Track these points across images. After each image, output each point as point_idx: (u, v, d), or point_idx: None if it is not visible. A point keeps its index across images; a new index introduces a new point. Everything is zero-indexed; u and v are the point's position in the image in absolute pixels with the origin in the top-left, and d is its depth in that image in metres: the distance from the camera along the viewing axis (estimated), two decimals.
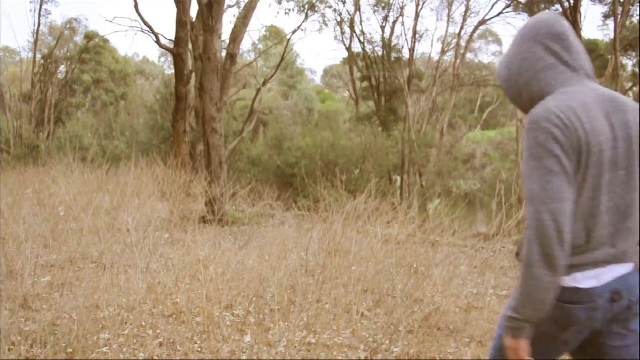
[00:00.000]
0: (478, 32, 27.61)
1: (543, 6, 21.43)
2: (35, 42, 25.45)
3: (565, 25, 1.78)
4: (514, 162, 22.81)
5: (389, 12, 23.41)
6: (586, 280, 1.65)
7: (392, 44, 23.86)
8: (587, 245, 1.66)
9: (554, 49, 1.75)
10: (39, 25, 25.40)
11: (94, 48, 30.40)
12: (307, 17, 18.16)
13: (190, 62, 14.49)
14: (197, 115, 12.57)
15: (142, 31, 15.30)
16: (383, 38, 23.66)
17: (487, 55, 46.18)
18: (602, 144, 1.63)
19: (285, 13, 16.79)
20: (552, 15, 1.81)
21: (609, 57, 19.45)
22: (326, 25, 16.70)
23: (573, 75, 1.74)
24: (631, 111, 1.71)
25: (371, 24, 42.29)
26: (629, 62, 24.93)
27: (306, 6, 17.90)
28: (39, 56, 26.42)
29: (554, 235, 1.56)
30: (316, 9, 18.93)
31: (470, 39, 26.62)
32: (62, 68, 29.36)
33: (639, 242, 1.75)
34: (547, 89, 1.74)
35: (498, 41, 39.87)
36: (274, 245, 6.35)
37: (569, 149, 1.60)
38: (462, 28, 24.64)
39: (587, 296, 1.64)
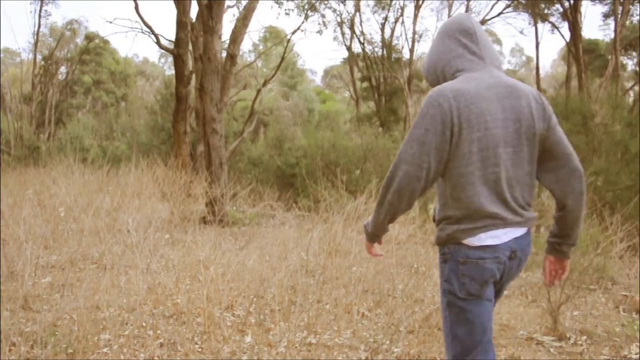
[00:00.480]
0: None
1: (543, 6, 21.44)
2: (36, 43, 25.49)
3: (474, 22, 2.12)
4: None
5: (388, 13, 23.43)
6: (489, 239, 1.97)
7: (392, 44, 23.86)
8: (488, 209, 1.96)
9: (463, 42, 2.08)
10: (39, 27, 25.46)
11: (94, 49, 30.44)
12: (306, 17, 18.17)
13: (190, 63, 14.49)
14: (198, 115, 12.58)
15: (142, 32, 15.30)
16: (383, 38, 23.68)
17: None
18: (487, 122, 1.93)
19: (286, 13, 16.80)
20: (463, 15, 2.16)
21: (609, 56, 19.46)
22: (325, 26, 16.74)
23: (479, 62, 2.06)
24: (524, 97, 2.00)
25: (371, 24, 42.29)
26: (629, 62, 24.92)
27: (306, 6, 17.91)
28: (39, 57, 26.45)
29: (397, 192, 1.96)
30: (316, 8, 18.94)
31: None
32: (63, 69, 29.42)
33: (527, 205, 2.06)
34: (456, 74, 2.06)
35: (498, 41, 39.89)
36: (275, 246, 6.35)
37: (446, 125, 1.91)
38: None
39: (493, 251, 1.98)
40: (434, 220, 2.19)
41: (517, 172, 2.00)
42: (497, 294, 2.16)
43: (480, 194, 1.96)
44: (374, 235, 2.18)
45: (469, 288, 2.00)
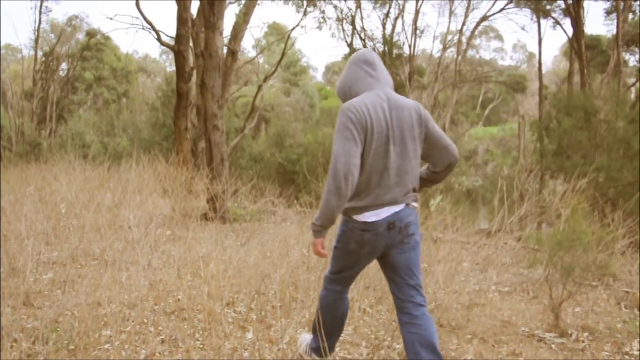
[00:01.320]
0: (479, 28, 27.56)
1: (545, 2, 21.37)
2: (37, 40, 25.45)
3: (374, 55, 2.90)
4: (516, 158, 22.74)
5: (389, 9, 23.36)
6: (371, 216, 2.74)
7: (393, 40, 23.80)
8: (373, 192, 2.72)
9: (365, 69, 2.85)
10: (40, 23, 25.41)
11: (95, 45, 30.39)
12: (305, 13, 18.13)
13: (191, 59, 14.46)
14: (199, 112, 12.54)
15: (143, 28, 15.26)
16: (384, 34, 23.61)
17: (489, 51, 46.02)
18: (382, 127, 2.68)
19: (285, 3, 16.72)
20: (366, 50, 2.95)
21: (611, 52, 19.40)
22: (325, 22, 16.71)
23: (376, 84, 2.82)
24: (406, 109, 2.76)
25: (372, 20, 42.19)
26: (631, 58, 24.84)
27: (305, 2, 17.87)
28: (40, 53, 26.41)
29: (342, 177, 2.58)
30: (315, 4, 18.89)
31: (472, 35, 26.55)
32: (64, 65, 29.36)
33: (410, 190, 2.80)
34: (359, 92, 2.82)
35: (499, 37, 39.83)
36: (276, 242, 6.35)
37: (359, 127, 2.64)
38: (463, 24, 24.58)
39: (372, 226, 2.74)
40: None
41: (404, 163, 2.75)
42: (399, 252, 2.84)
43: (371, 182, 2.71)
44: (324, 228, 2.72)
45: (350, 246, 2.83)
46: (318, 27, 18.84)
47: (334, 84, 45.62)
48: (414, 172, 2.81)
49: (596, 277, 5.53)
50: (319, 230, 2.72)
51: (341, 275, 2.99)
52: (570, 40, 20.05)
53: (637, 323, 4.31)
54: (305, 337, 3.31)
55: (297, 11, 18.24)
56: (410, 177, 2.79)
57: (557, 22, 21.68)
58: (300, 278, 4.78)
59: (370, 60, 2.86)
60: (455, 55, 25.10)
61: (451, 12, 25.50)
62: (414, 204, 2.84)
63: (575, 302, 4.83)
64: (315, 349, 3.15)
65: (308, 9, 18.33)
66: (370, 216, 2.73)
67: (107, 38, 31.25)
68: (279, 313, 4.04)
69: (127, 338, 3.47)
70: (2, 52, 28.01)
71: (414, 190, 2.84)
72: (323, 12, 21.17)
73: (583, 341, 3.96)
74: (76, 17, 27.85)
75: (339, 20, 23.39)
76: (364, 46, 24.04)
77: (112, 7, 62.26)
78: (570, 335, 4.03)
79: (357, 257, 2.87)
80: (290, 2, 17.87)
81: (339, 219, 2.87)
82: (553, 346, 3.87)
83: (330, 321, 3.05)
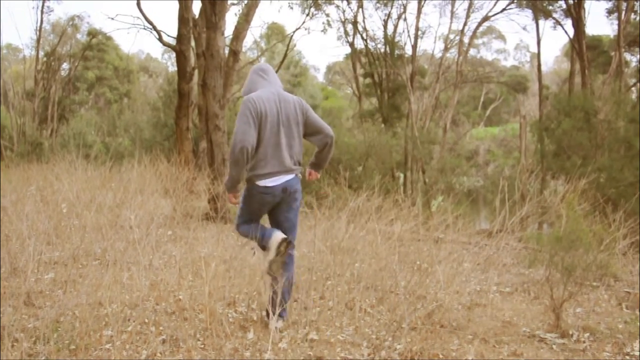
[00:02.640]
0: (481, 28, 27.52)
1: (546, 3, 21.35)
2: (38, 40, 25.46)
3: (268, 65, 4.02)
4: (518, 159, 22.76)
5: (391, 9, 23.35)
6: (270, 182, 3.69)
7: (395, 41, 23.77)
8: (270, 163, 3.67)
9: (261, 74, 3.88)
10: (41, 23, 25.39)
11: (97, 45, 30.40)
12: (308, 15, 18.11)
13: (192, 59, 14.48)
14: (200, 112, 12.54)
15: (144, 28, 15.28)
16: (385, 35, 23.59)
17: (490, 52, 45.96)
18: (274, 114, 3.66)
19: (290, 7, 16.70)
20: (263, 63, 4.16)
21: (613, 53, 19.37)
22: (330, 26, 16.65)
23: (269, 85, 3.82)
24: (291, 102, 3.78)
25: (374, 20, 42.23)
26: (632, 58, 24.81)
27: (310, 5, 17.85)
28: (41, 53, 26.42)
29: (238, 150, 3.53)
30: (320, 6, 18.86)
31: (474, 35, 26.53)
32: (65, 65, 29.37)
33: (297, 162, 3.81)
34: (256, 90, 3.79)
35: (501, 37, 39.81)
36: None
37: (254, 114, 3.59)
38: (465, 24, 24.54)
39: (270, 190, 3.71)
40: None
41: (291, 141, 3.76)
42: (287, 210, 3.86)
43: (267, 154, 3.66)
44: (232, 187, 3.76)
45: (253, 205, 3.82)
46: (323, 31, 18.78)
47: (336, 84, 45.68)
48: (299, 148, 3.84)
49: (597, 278, 5.53)
50: (229, 189, 3.78)
51: (245, 220, 3.89)
52: (571, 41, 20.02)
53: (639, 324, 4.31)
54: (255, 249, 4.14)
55: (303, 12, 18.18)
56: (295, 152, 3.81)
57: (558, 23, 21.66)
58: (301, 278, 4.78)
59: (265, 69, 3.95)
60: (457, 56, 25.06)
61: (452, 13, 25.47)
62: (299, 174, 3.87)
63: (576, 303, 4.82)
64: (260, 247, 3.87)
65: (313, 12, 18.31)
66: (269, 182, 3.70)
67: (109, 38, 31.27)
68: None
69: (128, 338, 3.47)
70: (4, 52, 28.00)
71: (299, 164, 3.85)
72: (328, 15, 21.12)
73: (584, 342, 3.95)
74: (77, 17, 27.84)
75: (342, 21, 23.40)
76: (366, 46, 24.08)
77: (113, 7, 62.34)
78: (572, 335, 4.03)
79: (257, 211, 3.87)
80: (295, 5, 17.86)
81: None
82: (554, 347, 3.87)
83: (254, 232, 3.83)
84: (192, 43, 13.88)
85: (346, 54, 28.68)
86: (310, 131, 3.89)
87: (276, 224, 3.87)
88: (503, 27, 57.34)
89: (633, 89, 21.89)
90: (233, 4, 15.55)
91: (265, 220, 4.00)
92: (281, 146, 3.67)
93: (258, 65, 4.03)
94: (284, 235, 3.73)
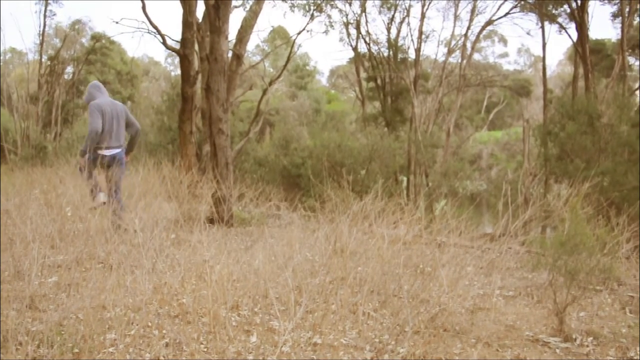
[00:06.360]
0: (484, 32, 27.53)
1: (550, 7, 21.35)
2: (41, 44, 25.55)
3: (100, 84, 7.12)
4: (521, 162, 22.73)
5: (394, 13, 23.38)
6: (106, 152, 6.72)
7: (398, 45, 23.80)
8: (107, 141, 6.69)
9: (98, 89, 6.95)
10: (44, 27, 25.50)
11: (100, 49, 30.49)
12: (312, 17, 18.15)
13: (196, 63, 14.51)
14: (204, 116, 12.55)
15: (148, 32, 15.33)
16: (389, 38, 23.63)
17: (493, 56, 45.92)
18: (109, 112, 6.70)
19: (291, 10, 16.74)
20: (96, 82, 7.21)
21: (616, 56, 19.35)
22: (332, 27, 16.71)
23: (102, 96, 6.87)
24: (118, 106, 6.93)
25: (377, 24, 42.30)
26: (636, 62, 24.78)
27: (312, 7, 17.89)
28: (45, 57, 26.50)
29: (93, 134, 6.52)
30: (322, 8, 18.91)
31: (477, 39, 26.53)
32: (69, 69, 29.46)
33: (121, 142, 6.93)
34: (95, 99, 6.79)
35: (504, 41, 39.76)
36: (280, 246, 6.35)
37: (99, 111, 6.59)
38: (468, 28, 24.56)
39: (106, 157, 6.71)
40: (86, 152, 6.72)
41: (118, 129, 6.79)
42: (116, 172, 6.78)
43: (106, 136, 6.63)
44: (82, 156, 6.54)
45: (94, 166, 6.66)
46: (325, 32, 18.83)
47: (339, 87, 45.80)
48: (123, 134, 6.84)
49: (600, 282, 5.52)
50: (82, 155, 6.60)
51: (90, 172, 6.67)
52: (575, 45, 20.01)
53: None
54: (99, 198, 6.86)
55: (304, 15, 18.22)
56: (121, 136, 6.83)
57: (562, 27, 21.65)
58: (305, 282, 4.78)
59: (99, 86, 6.95)
60: (460, 60, 25.07)
61: (456, 17, 25.49)
62: (122, 149, 6.85)
63: (579, 307, 4.82)
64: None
65: (315, 14, 18.34)
66: (106, 152, 6.63)
67: (113, 42, 31.35)
68: (283, 317, 4.04)
69: (132, 341, 3.48)
70: (8, 55, 28.07)
71: (123, 143, 6.88)
72: (329, 16, 21.16)
73: (587, 346, 3.95)
74: (79, 21, 27.94)
75: (345, 24, 23.44)
76: (369, 50, 24.10)
77: (116, 10, 62.47)
78: (575, 339, 4.03)
79: (95, 169, 6.65)
80: (296, 8, 17.90)
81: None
82: (557, 351, 3.86)
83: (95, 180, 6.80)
84: (196, 47, 13.91)
85: (349, 58, 28.74)
86: (128, 123, 6.95)
87: (110, 183, 6.63)
88: (506, 31, 57.33)
89: (636, 92, 21.84)
90: (236, 7, 15.61)
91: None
92: (113, 132, 6.68)
93: (94, 84, 6.95)
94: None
